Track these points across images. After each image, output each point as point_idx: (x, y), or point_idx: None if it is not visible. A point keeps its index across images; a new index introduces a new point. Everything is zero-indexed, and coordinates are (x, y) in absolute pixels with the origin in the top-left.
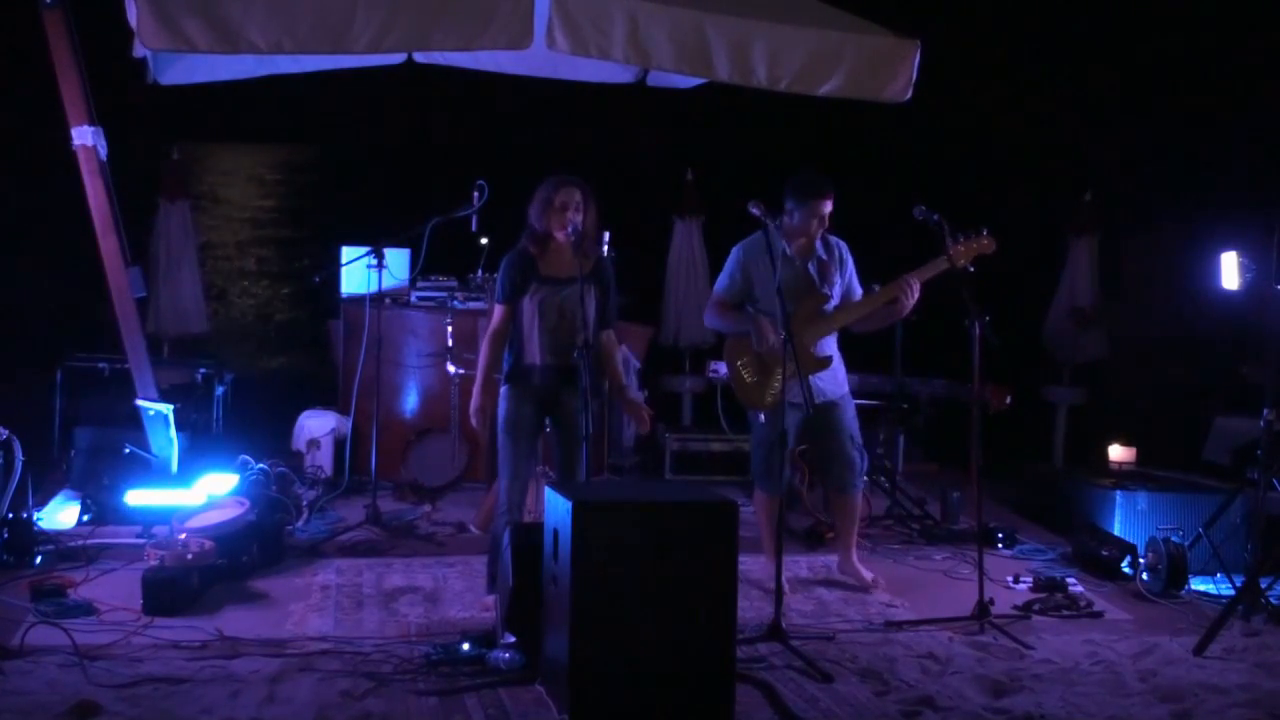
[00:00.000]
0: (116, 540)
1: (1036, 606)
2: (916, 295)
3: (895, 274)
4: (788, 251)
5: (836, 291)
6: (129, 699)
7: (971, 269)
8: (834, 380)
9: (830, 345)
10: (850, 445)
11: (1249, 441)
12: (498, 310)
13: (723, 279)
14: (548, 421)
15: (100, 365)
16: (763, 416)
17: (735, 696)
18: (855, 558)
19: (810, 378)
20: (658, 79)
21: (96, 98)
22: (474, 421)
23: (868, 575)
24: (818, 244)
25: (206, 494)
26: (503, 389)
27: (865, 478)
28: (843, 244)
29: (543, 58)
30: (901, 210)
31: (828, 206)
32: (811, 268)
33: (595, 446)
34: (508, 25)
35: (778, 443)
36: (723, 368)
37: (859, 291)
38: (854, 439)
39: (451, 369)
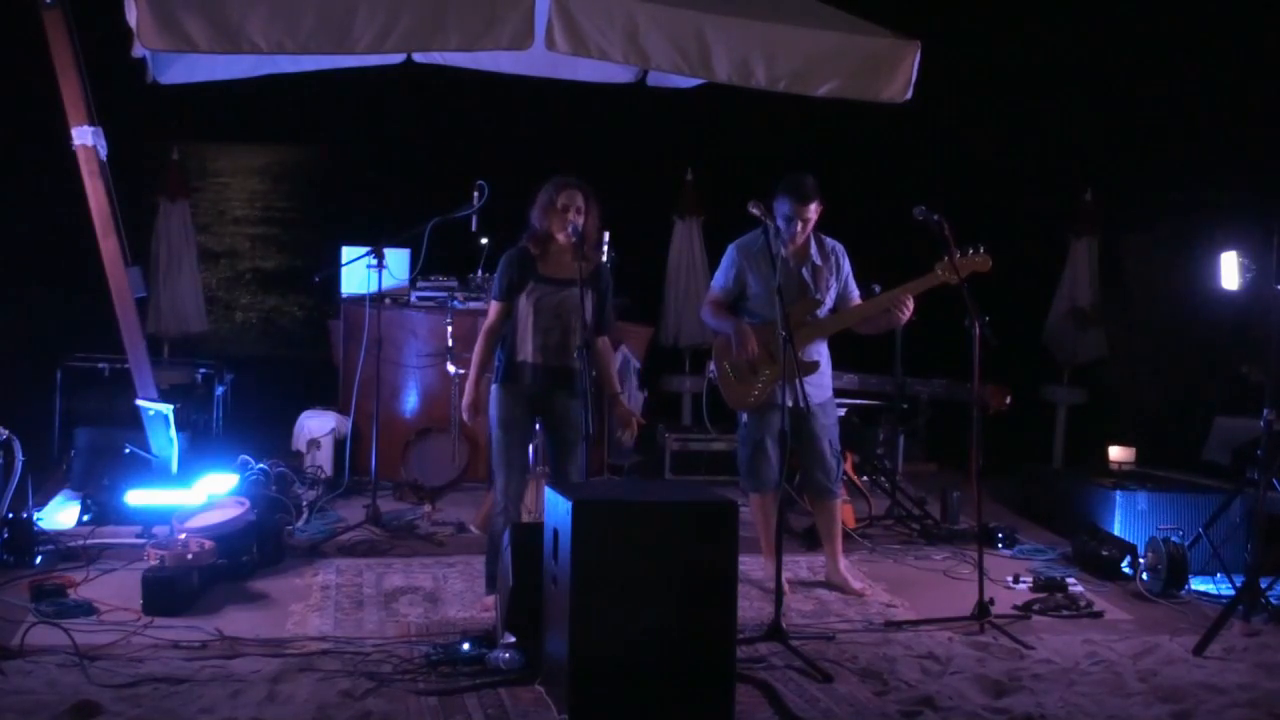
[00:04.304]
0: (116, 540)
1: (1036, 606)
2: (910, 310)
3: (894, 274)
4: (783, 253)
5: (831, 296)
6: (129, 699)
7: (967, 285)
8: (818, 385)
9: (819, 350)
10: (829, 451)
11: (1249, 441)
12: (494, 307)
13: (718, 277)
14: (538, 421)
15: (100, 365)
16: (745, 416)
17: (735, 696)
18: (843, 566)
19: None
20: (658, 79)
21: (96, 98)
22: (465, 416)
23: (856, 584)
24: (813, 248)
25: (206, 494)
26: (493, 387)
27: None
28: (839, 247)
29: (543, 58)
30: (901, 210)
31: (810, 212)
32: (805, 272)
33: (594, 446)
34: (508, 25)
35: (762, 442)
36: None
37: (855, 294)
38: (833, 444)
39: (451, 369)
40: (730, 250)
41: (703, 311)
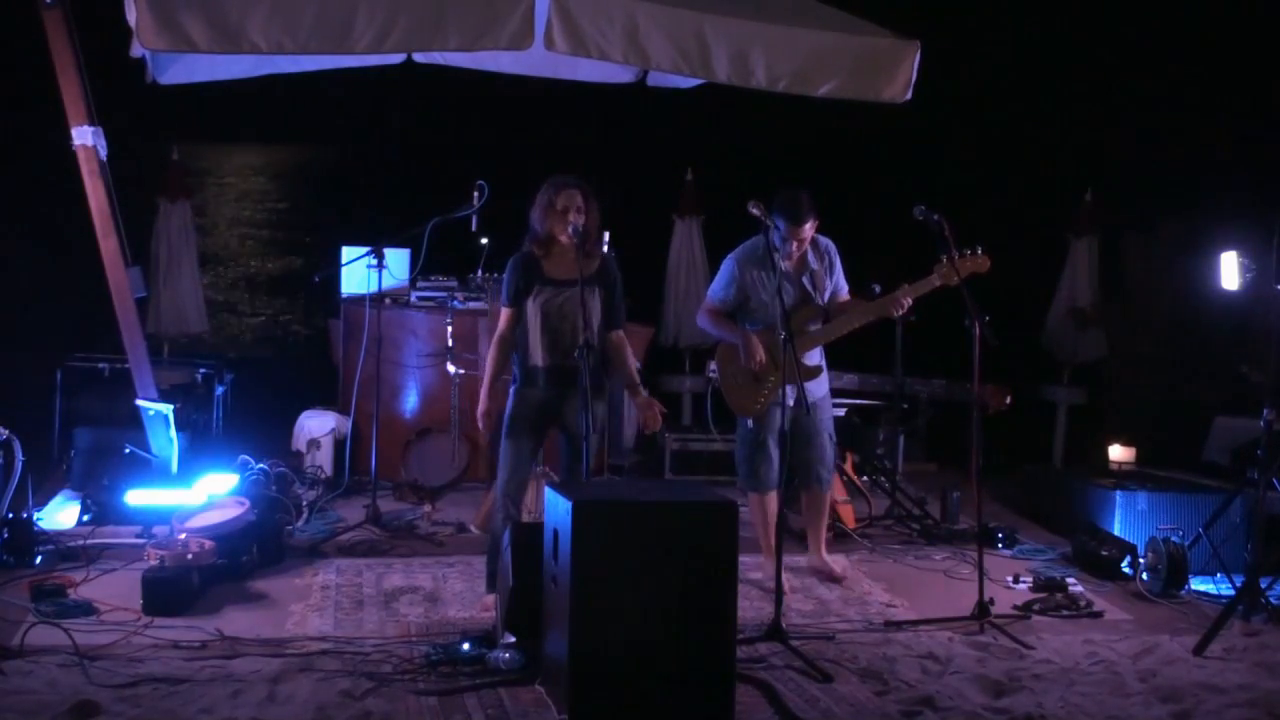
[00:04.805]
0: (116, 540)
1: (1036, 606)
2: (908, 305)
3: (893, 274)
4: (783, 267)
5: (826, 296)
6: (129, 699)
7: (966, 285)
8: (818, 381)
9: (819, 355)
10: (829, 442)
11: (1249, 441)
12: (504, 313)
13: (716, 287)
14: (552, 424)
15: (100, 365)
16: (750, 421)
17: (735, 696)
18: (825, 553)
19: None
20: (658, 79)
21: (96, 98)
22: (481, 425)
23: (837, 568)
24: (809, 254)
25: (206, 494)
26: (512, 389)
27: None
28: (831, 245)
29: (543, 58)
30: (901, 211)
31: (805, 232)
32: (806, 280)
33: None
34: (508, 26)
35: (764, 443)
36: None
37: (845, 290)
38: (831, 437)
39: (451, 369)
40: (729, 262)
41: (700, 319)
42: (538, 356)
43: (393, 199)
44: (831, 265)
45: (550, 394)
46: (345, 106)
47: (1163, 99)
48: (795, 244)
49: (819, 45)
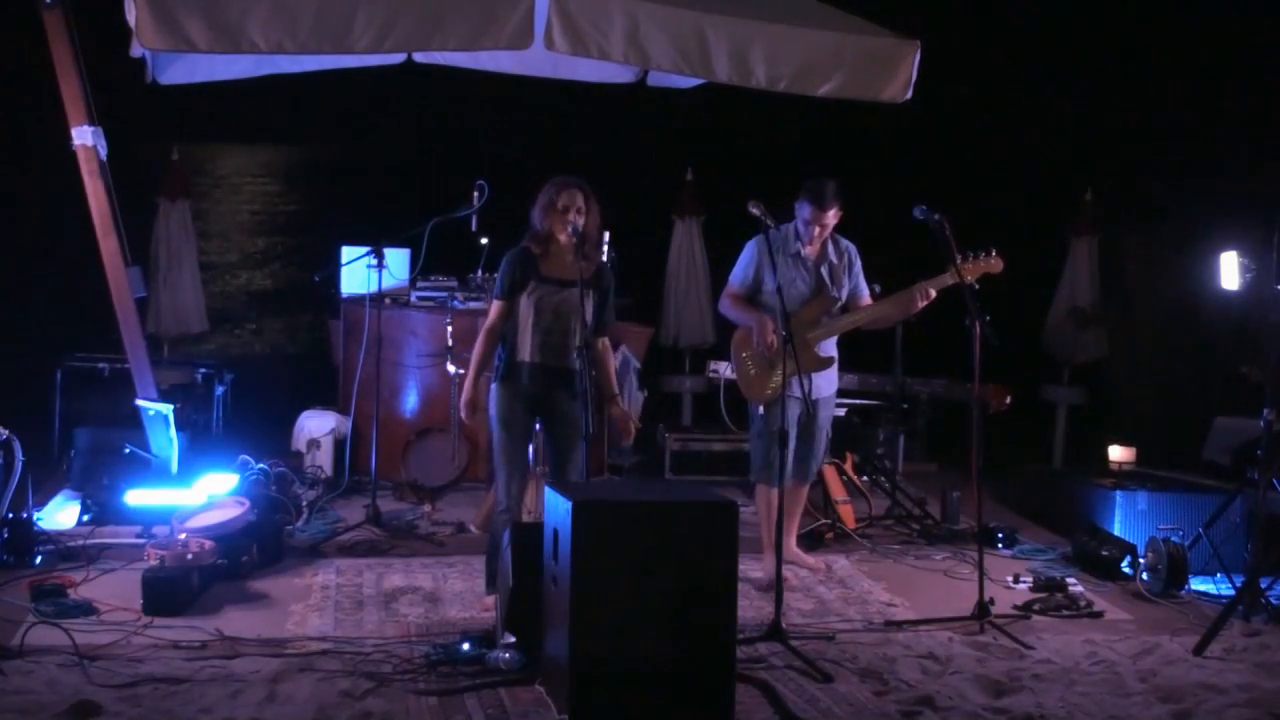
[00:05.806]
0: (116, 540)
1: (1036, 606)
2: (931, 297)
3: (896, 273)
4: (801, 253)
5: (844, 294)
6: (129, 699)
7: (976, 286)
8: (827, 379)
9: (833, 346)
10: (824, 440)
11: (1249, 441)
12: (495, 306)
13: (737, 271)
14: (538, 421)
15: (100, 365)
16: (762, 410)
17: (735, 696)
18: (796, 544)
19: (811, 375)
20: (658, 79)
21: (96, 98)
22: (463, 414)
23: (811, 559)
24: (829, 248)
25: (206, 494)
26: (493, 385)
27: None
28: (852, 246)
29: (543, 58)
30: (902, 210)
31: (829, 218)
32: (824, 271)
33: (594, 446)
34: (508, 26)
35: (778, 437)
36: (722, 368)
37: (865, 292)
38: (828, 435)
39: (452, 369)
40: (749, 246)
41: (721, 304)
42: (526, 352)
43: (393, 199)
44: (851, 265)
45: (535, 389)
46: (345, 106)
47: (1162, 98)
48: (817, 229)
49: (819, 45)
